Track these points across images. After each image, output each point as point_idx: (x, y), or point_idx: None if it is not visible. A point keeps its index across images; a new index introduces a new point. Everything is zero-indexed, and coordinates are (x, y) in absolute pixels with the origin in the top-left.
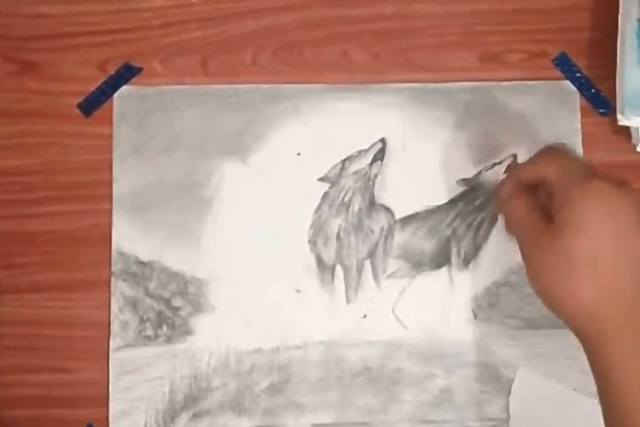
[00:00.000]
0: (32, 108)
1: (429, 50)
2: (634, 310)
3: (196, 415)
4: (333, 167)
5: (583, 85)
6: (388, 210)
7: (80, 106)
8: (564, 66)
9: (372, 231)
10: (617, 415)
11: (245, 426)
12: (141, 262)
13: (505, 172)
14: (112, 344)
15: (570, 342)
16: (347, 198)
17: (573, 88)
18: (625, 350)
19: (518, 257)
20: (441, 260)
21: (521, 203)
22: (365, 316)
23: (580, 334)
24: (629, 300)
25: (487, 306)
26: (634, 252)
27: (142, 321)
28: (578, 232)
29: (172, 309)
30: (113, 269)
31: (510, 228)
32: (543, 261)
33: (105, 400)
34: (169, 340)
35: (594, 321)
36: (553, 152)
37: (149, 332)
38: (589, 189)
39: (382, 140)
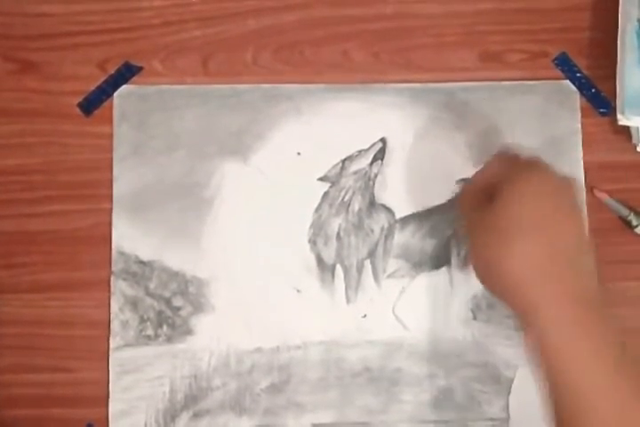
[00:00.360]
0: (32, 107)
1: (430, 50)
2: (565, 285)
3: (196, 415)
4: (333, 167)
5: (583, 85)
6: (388, 210)
7: (80, 105)
8: (565, 66)
9: (372, 231)
10: (556, 381)
11: (245, 426)
12: (142, 262)
13: None
14: (112, 344)
15: None
16: (347, 198)
17: (573, 88)
18: (554, 319)
19: None
20: (441, 260)
21: (472, 190)
22: (365, 316)
23: (514, 308)
24: (560, 275)
25: (487, 306)
26: (565, 232)
27: (142, 321)
28: (512, 203)
29: (172, 308)
30: (113, 268)
31: (462, 216)
32: (482, 238)
33: (105, 400)
34: (169, 339)
35: (527, 294)
36: (504, 155)
37: (150, 331)
38: (531, 167)
39: (382, 140)
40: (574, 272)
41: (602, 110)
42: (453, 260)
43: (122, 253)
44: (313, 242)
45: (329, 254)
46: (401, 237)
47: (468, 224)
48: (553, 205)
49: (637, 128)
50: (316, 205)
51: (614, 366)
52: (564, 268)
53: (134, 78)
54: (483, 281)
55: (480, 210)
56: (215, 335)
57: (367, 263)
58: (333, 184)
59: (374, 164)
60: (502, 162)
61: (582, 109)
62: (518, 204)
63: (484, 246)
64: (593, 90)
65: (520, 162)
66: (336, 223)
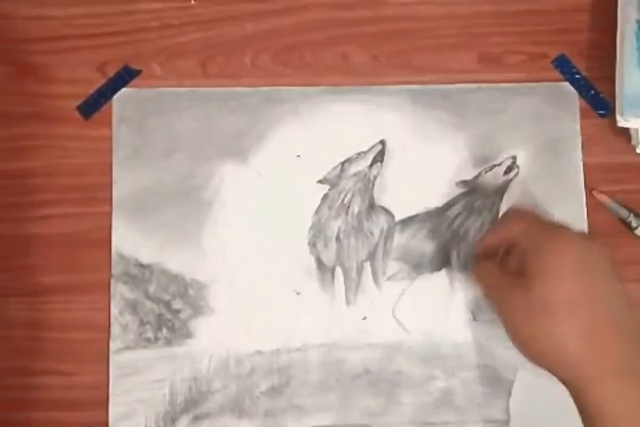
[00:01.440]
0: (31, 110)
1: (429, 52)
2: (612, 353)
3: (196, 418)
4: (333, 169)
5: (582, 87)
6: (387, 212)
7: (79, 108)
8: (564, 67)
9: (372, 233)
10: None
11: None
12: (141, 265)
13: (504, 173)
14: (112, 347)
15: None
16: (346, 200)
17: (573, 89)
18: (609, 393)
19: None
20: (441, 262)
21: (490, 267)
22: (365, 318)
23: (565, 382)
24: (608, 344)
25: (487, 308)
26: (605, 296)
27: (142, 324)
28: (548, 279)
29: (171, 311)
30: (113, 271)
31: (487, 294)
32: (520, 316)
33: (105, 403)
34: (169, 342)
35: (577, 368)
36: (517, 212)
37: (149, 334)
38: (556, 237)
39: (382, 142)
40: (623, 338)
41: (601, 112)
42: (453, 262)
43: (121, 256)
44: (313, 244)
45: (329, 257)
46: (401, 240)
47: (494, 298)
48: (590, 277)
49: (637, 130)
50: (315, 208)
51: None
52: (614, 336)
53: (133, 81)
54: (528, 357)
55: (510, 286)
56: (215, 338)
57: (367, 266)
58: (333, 186)
59: (374, 166)
60: (518, 223)
61: (582, 111)
62: (555, 281)
63: (524, 325)
64: (592, 91)
65: (545, 228)
66: (336, 226)
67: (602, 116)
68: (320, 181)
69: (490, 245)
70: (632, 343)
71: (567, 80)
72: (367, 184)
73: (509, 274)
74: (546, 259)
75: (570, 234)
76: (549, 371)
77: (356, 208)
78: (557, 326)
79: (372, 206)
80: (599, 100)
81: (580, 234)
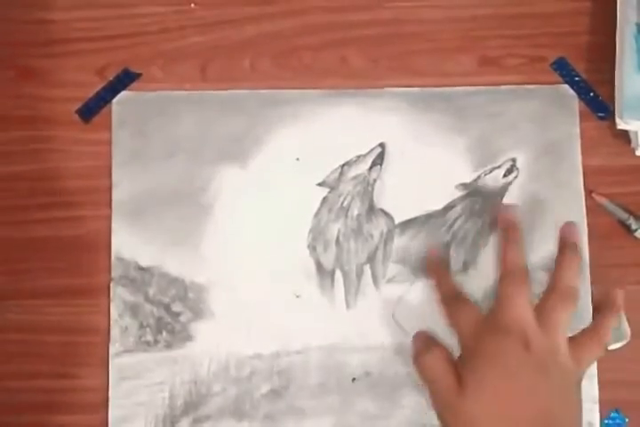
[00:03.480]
0: (31, 114)
1: (428, 55)
2: None
3: (196, 421)
4: (332, 172)
5: (582, 89)
6: (387, 215)
7: (79, 112)
8: (563, 70)
9: (372, 236)
10: None
11: None
12: (141, 268)
13: (504, 176)
14: (112, 350)
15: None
16: (346, 203)
17: (572, 92)
18: None
19: None
20: None
21: (435, 359)
22: (365, 321)
23: None
24: None
25: (486, 310)
26: (532, 411)
27: (142, 327)
28: (476, 394)
29: (171, 314)
30: (113, 274)
31: (424, 382)
32: (452, 421)
33: (105, 406)
34: (169, 345)
35: None
36: (454, 301)
37: (149, 337)
38: (487, 347)
39: (381, 145)
40: None
41: (600, 114)
42: (453, 264)
43: (121, 260)
44: (312, 247)
45: (328, 260)
46: (400, 242)
47: (432, 392)
48: (517, 392)
49: (636, 132)
50: (315, 211)
51: None
52: None
53: (133, 85)
54: None
55: (447, 386)
56: (215, 341)
57: (367, 268)
58: (332, 189)
59: (373, 169)
60: (456, 309)
61: (581, 113)
62: (483, 396)
63: None
64: (591, 94)
65: (477, 323)
66: (335, 228)
67: (601, 118)
68: (319, 184)
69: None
70: None
71: (566, 83)
72: (367, 187)
73: (451, 370)
74: (477, 371)
75: (502, 342)
76: None
77: (355, 211)
78: None
79: (371, 209)
80: (598, 103)
81: (518, 338)
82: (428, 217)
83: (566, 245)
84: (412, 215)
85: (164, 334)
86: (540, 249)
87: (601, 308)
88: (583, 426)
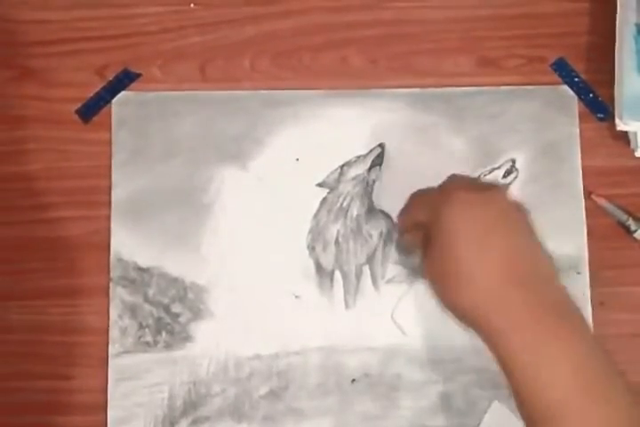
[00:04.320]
0: (31, 114)
1: (428, 55)
2: (517, 308)
3: (195, 421)
4: (332, 173)
5: (581, 90)
6: (386, 215)
7: (78, 112)
8: (562, 71)
9: (371, 236)
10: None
11: None
12: (140, 268)
13: (503, 177)
14: (111, 350)
15: None
16: (345, 204)
17: (572, 93)
18: (517, 346)
19: None
20: None
21: (412, 234)
22: (364, 321)
23: (485, 338)
24: (512, 300)
25: None
26: (492, 252)
27: (141, 327)
28: (441, 245)
29: (171, 315)
30: (112, 275)
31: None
32: (431, 273)
33: (104, 407)
34: (168, 346)
35: (486, 325)
36: (421, 193)
37: (148, 338)
38: (447, 201)
39: (381, 146)
40: (527, 292)
41: (600, 115)
42: None
43: (120, 260)
44: (312, 248)
45: (327, 260)
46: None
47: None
48: (483, 229)
49: (636, 133)
50: (314, 211)
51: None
52: (518, 291)
53: (133, 85)
54: (456, 320)
55: (424, 256)
56: (214, 342)
57: (366, 269)
58: (332, 190)
59: (372, 169)
60: (420, 202)
61: (580, 114)
62: (449, 244)
63: (440, 293)
64: (591, 95)
65: (440, 194)
66: (335, 229)
67: (601, 119)
68: (319, 185)
69: (406, 225)
70: (544, 290)
71: (566, 83)
72: (366, 188)
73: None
74: (440, 223)
75: (458, 194)
76: (461, 322)
77: (354, 212)
78: (454, 285)
79: (370, 210)
80: (598, 104)
81: (473, 189)
82: None
83: None
84: None
85: (164, 334)
86: None
87: None
88: None
